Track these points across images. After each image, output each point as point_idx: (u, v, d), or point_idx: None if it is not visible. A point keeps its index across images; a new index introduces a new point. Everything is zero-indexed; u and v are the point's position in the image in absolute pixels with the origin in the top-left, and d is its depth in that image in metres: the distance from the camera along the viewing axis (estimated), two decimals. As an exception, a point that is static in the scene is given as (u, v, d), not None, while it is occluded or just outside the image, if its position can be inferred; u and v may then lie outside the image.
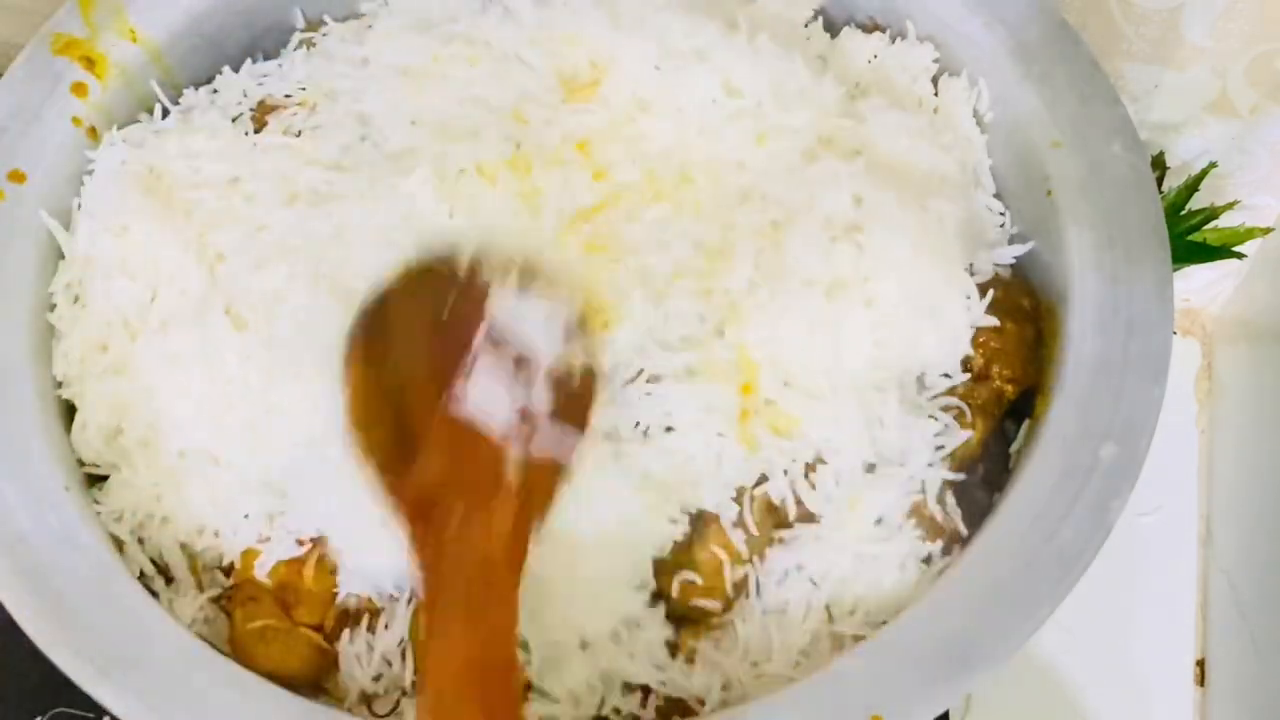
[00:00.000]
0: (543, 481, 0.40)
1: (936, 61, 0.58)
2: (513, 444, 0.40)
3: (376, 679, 0.45)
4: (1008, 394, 0.50)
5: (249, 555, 0.47)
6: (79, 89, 0.55)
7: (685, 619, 0.47)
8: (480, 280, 0.42)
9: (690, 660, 0.46)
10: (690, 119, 0.53)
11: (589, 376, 0.42)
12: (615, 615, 0.46)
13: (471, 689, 0.36)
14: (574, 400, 0.41)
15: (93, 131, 0.55)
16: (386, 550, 0.43)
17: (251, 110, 0.57)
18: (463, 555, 0.38)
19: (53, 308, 0.52)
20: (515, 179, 0.51)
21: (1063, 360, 0.49)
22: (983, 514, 0.48)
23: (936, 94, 0.57)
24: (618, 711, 0.45)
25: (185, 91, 0.58)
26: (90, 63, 0.56)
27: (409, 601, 0.44)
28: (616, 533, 0.45)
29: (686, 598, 0.47)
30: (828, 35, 0.59)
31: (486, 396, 0.40)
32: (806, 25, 0.59)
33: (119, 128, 0.56)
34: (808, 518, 0.47)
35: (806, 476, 0.47)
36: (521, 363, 0.40)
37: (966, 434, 0.49)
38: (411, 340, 0.42)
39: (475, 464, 0.39)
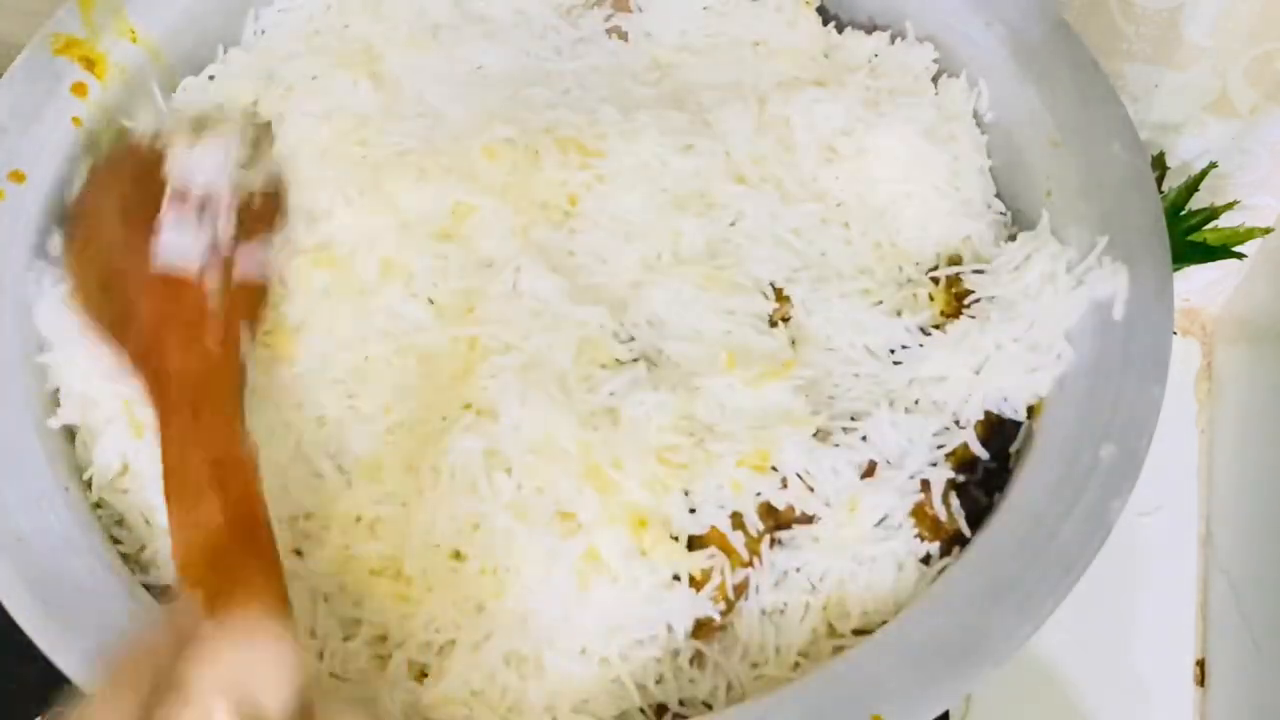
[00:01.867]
0: (248, 298, 0.47)
1: (936, 62, 0.58)
2: (209, 277, 0.46)
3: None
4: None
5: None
6: (79, 89, 0.55)
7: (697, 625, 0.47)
8: (162, 147, 0.48)
9: (697, 664, 0.46)
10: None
11: (271, 191, 0.49)
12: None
13: (209, 481, 0.41)
14: (262, 216, 0.48)
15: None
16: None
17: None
18: (184, 376, 0.44)
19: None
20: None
21: (1064, 360, 0.49)
22: (983, 514, 0.48)
23: (937, 94, 0.58)
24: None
25: (182, 83, 0.58)
26: (90, 63, 0.56)
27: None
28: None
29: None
30: (833, 31, 0.60)
31: (176, 246, 0.46)
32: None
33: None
34: (806, 519, 0.47)
35: (805, 477, 0.47)
36: (206, 203, 0.47)
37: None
38: (114, 219, 0.48)
39: (182, 305, 0.46)
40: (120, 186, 0.49)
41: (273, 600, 0.39)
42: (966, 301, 0.51)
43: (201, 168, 0.47)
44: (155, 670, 0.34)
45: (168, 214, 0.46)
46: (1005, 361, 0.49)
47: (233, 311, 0.46)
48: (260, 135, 0.49)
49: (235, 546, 0.40)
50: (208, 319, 0.46)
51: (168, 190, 0.47)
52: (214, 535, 0.40)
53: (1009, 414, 0.49)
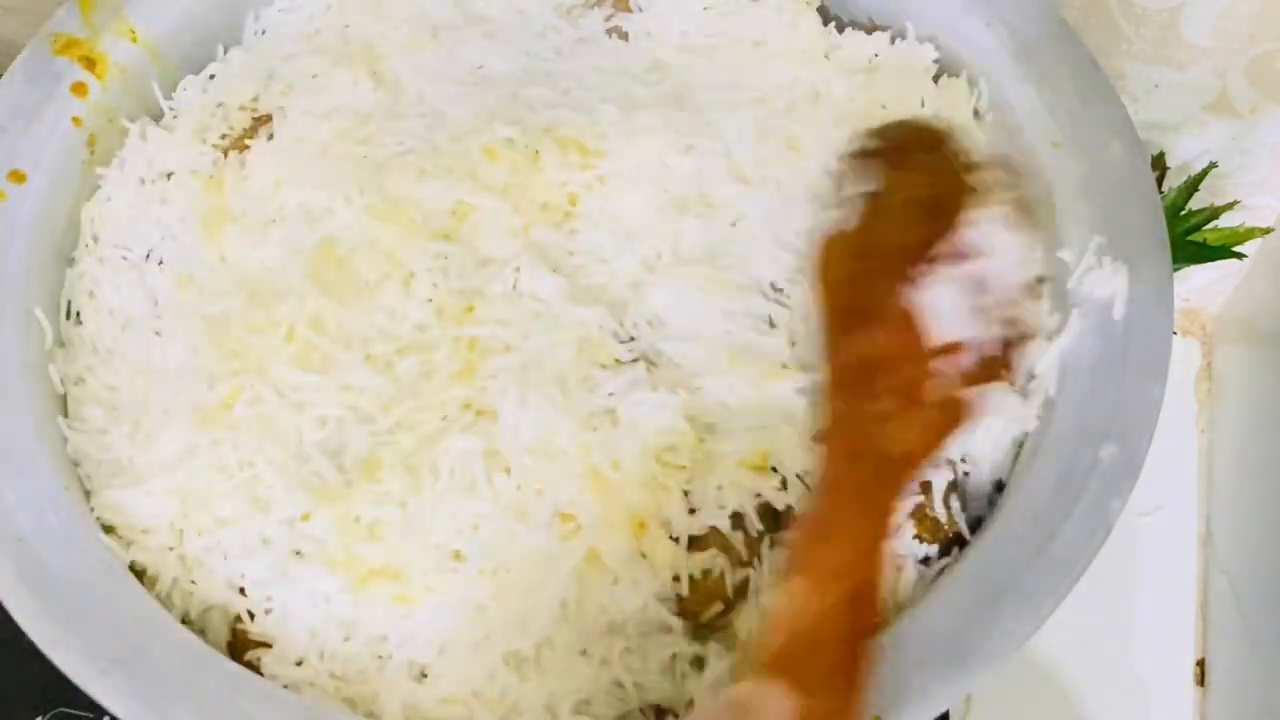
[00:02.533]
0: (953, 418, 0.40)
1: (936, 62, 0.58)
2: (941, 368, 0.39)
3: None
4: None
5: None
6: (79, 89, 0.55)
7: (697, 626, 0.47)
8: (976, 177, 0.41)
9: (696, 665, 0.46)
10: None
11: (1020, 342, 0.41)
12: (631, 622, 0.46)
13: (838, 566, 0.37)
14: (1000, 363, 0.40)
15: (92, 139, 0.55)
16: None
17: (253, 117, 0.57)
18: (867, 448, 0.39)
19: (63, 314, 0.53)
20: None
21: (1063, 360, 0.49)
22: (982, 514, 0.48)
23: (937, 94, 0.58)
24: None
25: (182, 82, 0.59)
26: (90, 63, 0.56)
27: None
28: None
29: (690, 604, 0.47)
30: (834, 31, 0.60)
31: (937, 301, 0.39)
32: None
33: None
34: (807, 518, 0.47)
35: (805, 477, 0.47)
36: (980, 288, 0.40)
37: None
38: (899, 207, 0.41)
39: (906, 362, 0.39)
40: (923, 174, 0.42)
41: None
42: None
43: (1002, 252, 0.40)
44: None
45: (947, 258, 0.39)
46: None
47: (932, 421, 0.40)
48: (1050, 277, 0.43)
49: (835, 647, 0.36)
50: (914, 403, 0.39)
51: (961, 230, 0.39)
52: (821, 624, 0.37)
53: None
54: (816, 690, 0.36)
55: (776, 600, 0.38)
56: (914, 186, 0.41)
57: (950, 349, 0.39)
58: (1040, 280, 0.41)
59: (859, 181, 0.42)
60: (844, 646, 0.37)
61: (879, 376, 0.40)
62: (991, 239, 0.40)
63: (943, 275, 0.39)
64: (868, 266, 0.41)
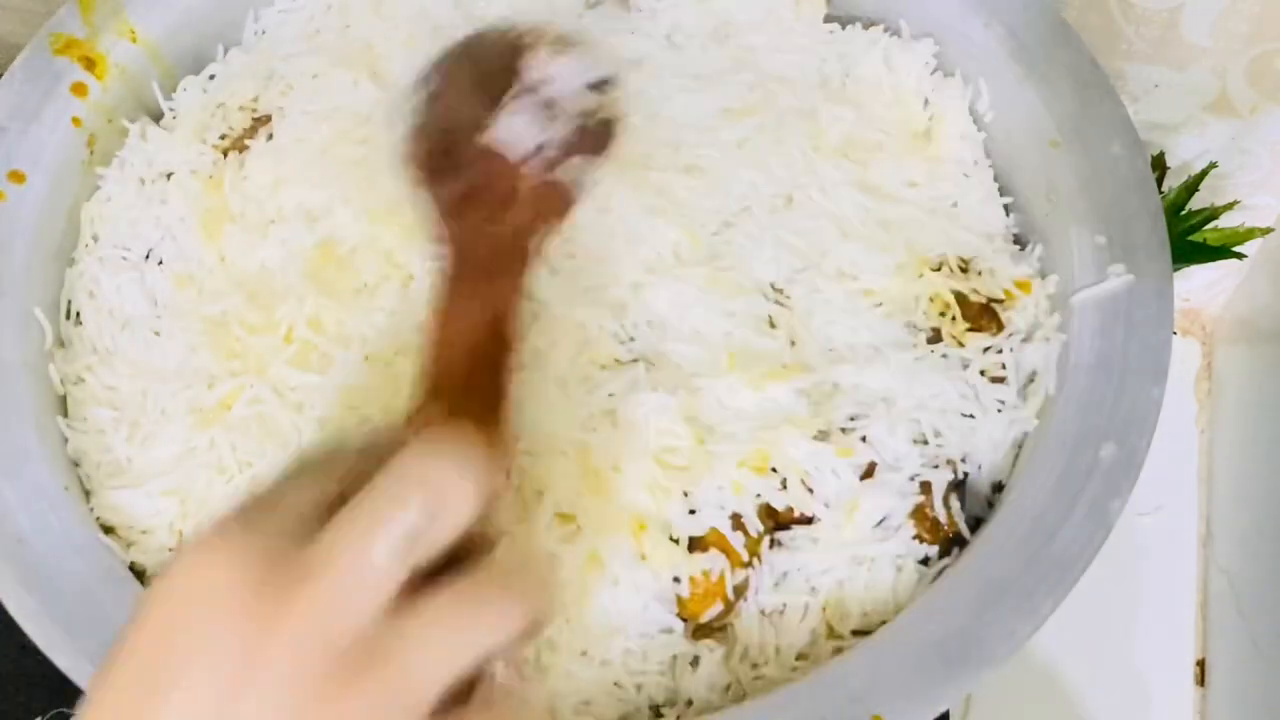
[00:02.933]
0: (556, 198, 0.47)
1: (935, 58, 0.58)
2: (530, 167, 0.46)
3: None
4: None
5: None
6: (79, 89, 0.55)
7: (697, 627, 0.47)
8: (523, 44, 0.48)
9: (696, 666, 0.46)
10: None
11: (608, 123, 0.48)
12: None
13: (481, 322, 0.43)
14: (594, 139, 0.47)
15: (92, 139, 0.55)
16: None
17: (253, 117, 0.57)
18: (479, 239, 0.45)
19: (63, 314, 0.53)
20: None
21: (1063, 360, 0.49)
22: (982, 514, 0.48)
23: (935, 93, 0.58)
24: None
25: (182, 82, 0.59)
26: (90, 63, 0.56)
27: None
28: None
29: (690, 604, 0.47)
30: (836, 29, 0.60)
31: (511, 128, 0.46)
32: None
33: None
34: (806, 520, 0.47)
35: (805, 478, 0.47)
36: (550, 106, 0.47)
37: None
38: (461, 91, 0.48)
39: (498, 179, 0.46)
40: (476, 63, 0.49)
41: (492, 424, 0.40)
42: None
43: (558, 75, 0.47)
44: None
45: (513, 100, 0.47)
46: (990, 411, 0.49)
47: (538, 204, 0.47)
48: (616, 75, 0.49)
49: (482, 382, 0.41)
50: (515, 201, 0.46)
51: (520, 81, 0.47)
52: (469, 361, 0.41)
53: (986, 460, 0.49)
54: (471, 416, 0.40)
55: (425, 349, 0.42)
56: (470, 71, 0.48)
57: (534, 154, 0.46)
58: (603, 81, 0.47)
59: (419, 89, 0.48)
60: (487, 381, 0.42)
61: (477, 199, 0.46)
62: (549, 70, 0.47)
63: (512, 110, 0.46)
64: (446, 138, 0.47)
